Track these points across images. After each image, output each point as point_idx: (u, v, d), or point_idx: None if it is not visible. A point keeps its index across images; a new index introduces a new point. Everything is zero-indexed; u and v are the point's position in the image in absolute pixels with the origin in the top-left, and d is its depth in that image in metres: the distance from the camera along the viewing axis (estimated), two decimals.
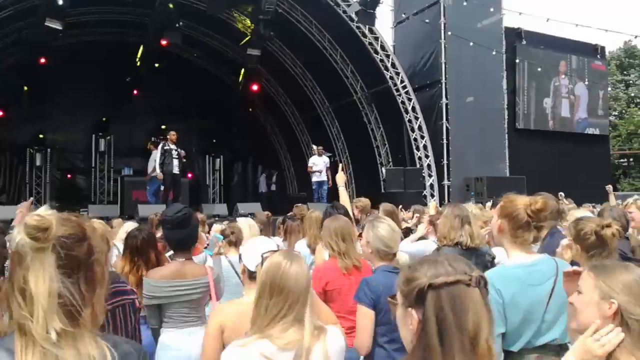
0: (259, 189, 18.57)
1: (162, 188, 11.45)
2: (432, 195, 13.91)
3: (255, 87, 16.78)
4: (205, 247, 5.08)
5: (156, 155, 11.39)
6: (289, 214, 6.96)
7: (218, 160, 18.75)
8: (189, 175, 14.62)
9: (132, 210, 11.43)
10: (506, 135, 15.57)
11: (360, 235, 3.17)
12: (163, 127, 17.24)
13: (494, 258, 4.20)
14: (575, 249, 2.74)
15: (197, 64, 17.19)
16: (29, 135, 15.45)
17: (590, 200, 9.95)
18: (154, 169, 11.35)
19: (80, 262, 1.29)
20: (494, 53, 15.18)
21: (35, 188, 15.28)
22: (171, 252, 3.49)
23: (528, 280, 2.35)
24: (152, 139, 12.90)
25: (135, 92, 16.21)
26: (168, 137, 11.34)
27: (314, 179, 13.29)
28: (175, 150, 11.20)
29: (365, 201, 6.93)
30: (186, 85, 16.41)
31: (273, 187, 18.30)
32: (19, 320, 1.21)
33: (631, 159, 32.47)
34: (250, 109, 18.18)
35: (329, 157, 16.17)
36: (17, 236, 1.25)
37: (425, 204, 11.56)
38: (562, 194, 7.79)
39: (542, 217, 2.37)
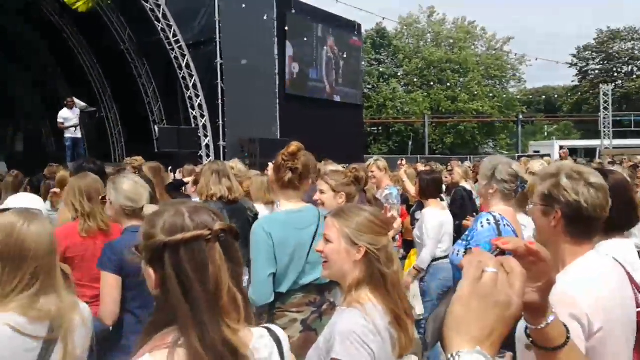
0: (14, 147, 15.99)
1: None
2: (208, 156, 13.91)
3: None
4: None
5: None
6: (43, 174, 6.21)
7: None
8: None
9: None
10: (277, 99, 16.34)
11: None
12: None
13: (256, 214, 4.47)
14: (340, 197, 3.05)
15: None
16: None
17: (347, 161, 11.17)
18: None
19: None
20: (265, 18, 15.60)
21: None
22: None
23: (294, 224, 2.57)
24: None
25: None
26: None
27: (68, 135, 11.80)
28: None
29: (139, 159, 6.59)
30: None
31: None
32: None
33: (380, 127, 37.60)
34: None
35: (94, 111, 14.73)
36: None
37: (199, 164, 11.49)
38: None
39: (297, 160, 2.59)
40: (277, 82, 16.41)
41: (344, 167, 5.47)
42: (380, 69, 38.08)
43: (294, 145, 2.61)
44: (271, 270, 2.50)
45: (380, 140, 37.41)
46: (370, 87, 36.61)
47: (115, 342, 2.48)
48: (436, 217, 4.43)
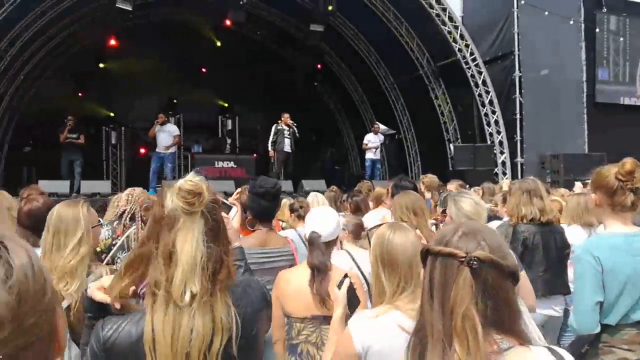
0: (325, 165, 18.69)
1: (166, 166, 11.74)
2: (504, 173, 13.37)
3: (319, 66, 16.66)
4: None
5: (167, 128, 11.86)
6: (354, 190, 6.93)
7: None
8: (254, 155, 14.90)
9: None
10: (585, 109, 14.64)
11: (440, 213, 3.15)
12: (226, 104, 17.63)
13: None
14: None
15: (259, 42, 17.22)
16: (104, 114, 16.19)
17: None
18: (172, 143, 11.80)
19: (220, 226, 1.39)
20: (571, 22, 14.24)
21: (111, 165, 16.03)
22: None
23: (630, 250, 2.29)
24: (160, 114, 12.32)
25: (204, 70, 16.60)
26: (282, 118, 11.96)
27: (368, 156, 13.48)
28: (288, 130, 11.84)
29: (431, 177, 6.78)
30: (250, 63, 16.52)
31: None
32: (159, 281, 1.30)
33: None
34: (316, 84, 18.11)
35: (394, 134, 15.91)
36: (169, 201, 1.32)
37: (497, 182, 11.09)
38: None
39: (636, 179, 2.31)
40: (585, 91, 14.70)
41: None
42: None
43: (630, 163, 2.33)
44: (597, 298, 2.27)
45: None
46: None
47: None
48: None
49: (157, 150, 11.87)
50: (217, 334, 1.31)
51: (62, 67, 14.70)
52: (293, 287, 2.48)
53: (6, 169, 13.83)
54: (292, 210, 4.75)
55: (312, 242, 2.57)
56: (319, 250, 2.52)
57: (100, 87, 15.43)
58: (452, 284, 1.18)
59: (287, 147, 11.91)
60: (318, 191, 11.18)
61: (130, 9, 12.08)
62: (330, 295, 2.32)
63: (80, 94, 15.63)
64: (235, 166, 12.67)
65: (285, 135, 11.84)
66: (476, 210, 2.81)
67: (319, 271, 2.45)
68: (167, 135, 11.84)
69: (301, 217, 4.52)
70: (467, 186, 8.06)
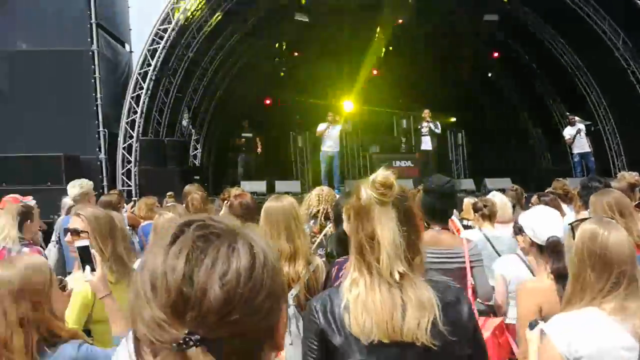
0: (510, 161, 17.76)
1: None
2: None
3: (495, 54, 15.81)
4: None
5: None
6: (547, 190, 6.44)
7: (460, 134, 18.38)
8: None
9: None
10: None
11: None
12: (400, 102, 17.78)
13: None
14: None
15: (430, 38, 16.70)
16: (292, 120, 17.67)
17: None
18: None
19: (409, 216, 1.57)
20: None
21: (299, 166, 17.48)
22: None
23: None
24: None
25: (375, 72, 17.02)
26: (423, 115, 12.33)
27: (575, 150, 12.31)
28: (426, 126, 12.11)
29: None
30: (419, 62, 16.36)
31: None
32: (369, 262, 1.52)
33: None
34: (490, 74, 17.23)
35: (588, 125, 14.27)
36: (365, 193, 1.55)
37: None
38: None
39: None
40: None
41: None
42: None
43: None
44: None
45: None
46: None
47: None
48: None
49: (325, 149, 12.07)
50: (425, 311, 1.48)
51: (255, 77, 16.39)
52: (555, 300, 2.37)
53: (215, 172, 16.05)
54: (475, 209, 4.63)
55: (557, 248, 2.46)
56: (562, 255, 2.42)
57: (288, 94, 16.85)
58: None
59: (426, 145, 11.99)
60: (503, 190, 10.67)
61: (307, 20, 12.96)
62: None
63: (267, 102, 17.36)
64: (412, 165, 12.79)
65: (423, 133, 11.91)
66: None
67: (564, 278, 2.28)
68: (335, 134, 12.13)
69: (486, 217, 4.47)
70: None
